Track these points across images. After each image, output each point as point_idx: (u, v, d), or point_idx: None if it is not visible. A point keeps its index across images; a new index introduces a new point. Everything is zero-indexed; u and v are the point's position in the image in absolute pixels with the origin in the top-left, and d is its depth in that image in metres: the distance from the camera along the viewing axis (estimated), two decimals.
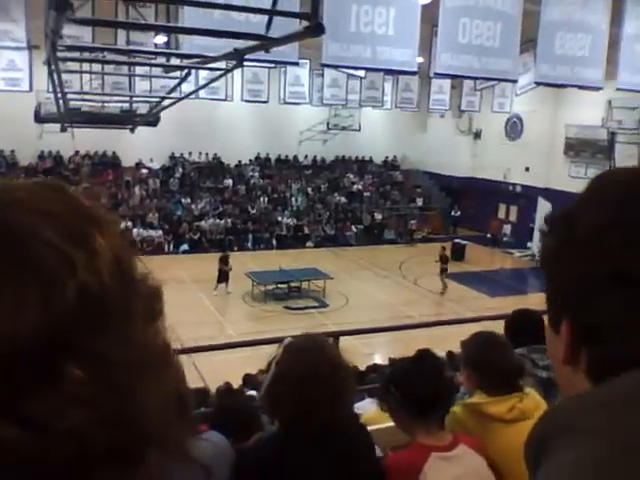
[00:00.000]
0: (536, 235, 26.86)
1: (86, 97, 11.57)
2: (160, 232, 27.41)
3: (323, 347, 2.03)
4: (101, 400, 0.46)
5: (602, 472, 0.54)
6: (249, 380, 8.79)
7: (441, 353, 6.60)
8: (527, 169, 29.38)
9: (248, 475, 1.87)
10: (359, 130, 32.37)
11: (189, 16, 8.50)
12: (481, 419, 2.49)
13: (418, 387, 2.23)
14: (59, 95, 8.89)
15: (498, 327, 3.73)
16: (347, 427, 1.98)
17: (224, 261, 21.08)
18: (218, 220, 28.84)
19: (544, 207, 25.86)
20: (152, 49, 11.61)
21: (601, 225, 0.66)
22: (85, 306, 0.45)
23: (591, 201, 0.70)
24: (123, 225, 26.99)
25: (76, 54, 8.01)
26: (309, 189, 32.57)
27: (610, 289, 0.63)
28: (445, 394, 2.32)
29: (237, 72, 18.46)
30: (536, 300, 18.23)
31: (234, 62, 6.79)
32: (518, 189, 30.06)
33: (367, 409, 4.71)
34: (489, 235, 29.85)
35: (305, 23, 4.55)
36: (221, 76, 8.54)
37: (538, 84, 12.38)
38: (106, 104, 12.58)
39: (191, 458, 1.97)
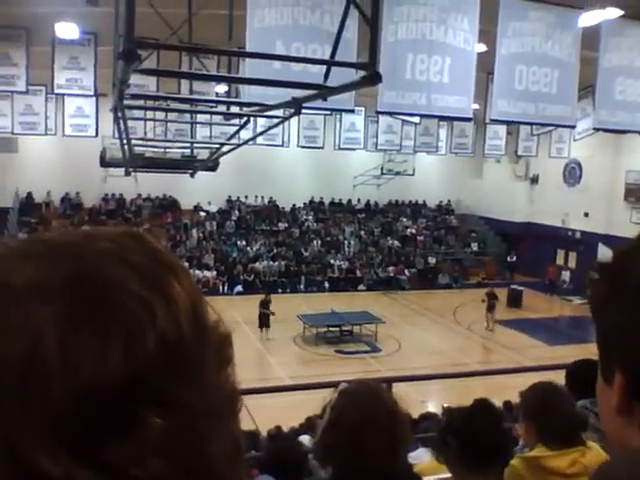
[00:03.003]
0: None
1: (149, 143, 12.00)
2: (215, 273, 27.81)
3: (379, 393, 2.01)
4: (180, 449, 0.46)
5: None
6: (310, 424, 8.65)
7: (497, 403, 6.43)
8: (586, 215, 28.72)
9: None
10: (413, 175, 32.40)
11: (250, 66, 8.79)
12: (541, 473, 2.41)
13: (477, 438, 2.19)
14: (124, 141, 9.26)
15: (557, 377, 3.63)
16: (402, 477, 1.94)
17: (265, 305, 20.73)
18: (272, 262, 29.10)
19: (605, 254, 25.16)
20: (213, 98, 12.01)
21: None
22: (165, 354, 0.46)
23: None
24: None
25: (141, 102, 8.36)
26: (362, 232, 32.61)
27: None
28: (504, 446, 2.26)
29: (293, 119, 18.83)
30: (597, 349, 17.60)
31: (292, 110, 6.97)
32: (577, 235, 29.36)
33: (421, 458, 4.61)
34: (547, 281, 29.13)
35: (362, 73, 4.66)
36: (279, 124, 8.76)
37: (597, 130, 12.24)
38: (168, 150, 13.01)
39: None
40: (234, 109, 9.32)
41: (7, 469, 0.42)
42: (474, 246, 33.55)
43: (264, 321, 20.35)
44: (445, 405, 8.74)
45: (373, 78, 4.55)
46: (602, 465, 0.66)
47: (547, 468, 2.40)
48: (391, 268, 30.06)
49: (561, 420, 2.45)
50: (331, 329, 20.87)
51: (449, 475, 2.44)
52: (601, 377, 0.73)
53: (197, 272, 27.51)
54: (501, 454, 2.24)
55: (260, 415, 11.46)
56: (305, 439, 6.71)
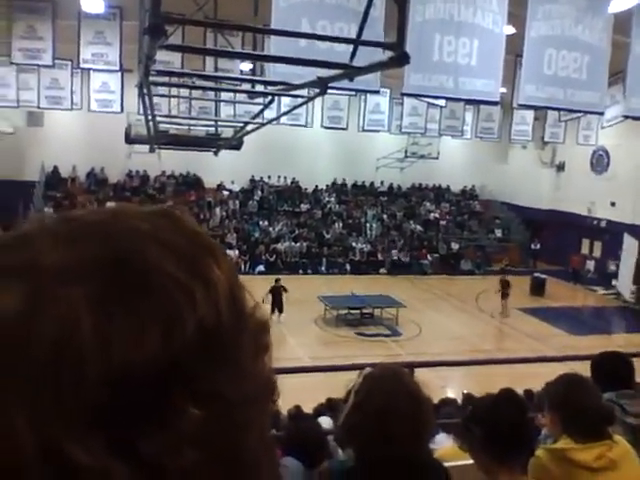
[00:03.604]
0: (622, 272, 25.73)
1: (174, 120, 12.00)
2: (237, 252, 27.97)
3: (402, 378, 2.00)
4: (216, 439, 0.44)
5: None
6: (332, 405, 8.70)
7: (518, 391, 6.38)
8: (613, 204, 28.31)
9: None
10: (437, 158, 32.14)
11: (275, 44, 8.71)
12: (567, 466, 2.36)
13: (502, 427, 2.15)
14: (149, 117, 9.26)
15: (579, 368, 3.57)
16: (425, 463, 1.92)
17: (276, 290, 20.06)
18: (293, 243, 29.17)
19: (630, 244, 24.79)
20: (238, 75, 11.95)
21: None
22: (203, 341, 0.44)
23: None
24: None
25: (166, 79, 8.34)
26: (384, 216, 32.50)
27: None
28: (529, 436, 2.23)
29: (318, 99, 18.75)
30: (621, 341, 17.44)
31: (317, 90, 6.90)
32: (603, 224, 28.96)
33: (442, 444, 4.59)
34: (571, 270, 28.82)
35: (389, 53, 4.57)
36: (304, 103, 8.69)
37: (626, 117, 11.99)
38: (192, 127, 13.01)
39: None
40: (259, 88, 9.26)
41: (38, 461, 0.39)
42: (497, 232, 33.28)
43: (277, 305, 19.80)
44: (465, 391, 8.70)
45: (401, 59, 4.47)
46: None
47: (573, 461, 2.36)
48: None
49: (587, 413, 2.40)
50: (352, 311, 20.89)
51: (470, 462, 2.41)
52: None
53: None
54: (525, 444, 2.21)
55: (280, 395, 11.57)
56: (325, 420, 6.73)
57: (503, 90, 10.90)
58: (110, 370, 0.41)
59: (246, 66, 14.55)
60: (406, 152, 31.84)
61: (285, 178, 32.11)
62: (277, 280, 20.75)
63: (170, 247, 0.47)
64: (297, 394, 10.48)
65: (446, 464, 2.97)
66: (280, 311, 19.87)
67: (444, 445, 4.36)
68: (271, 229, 29.92)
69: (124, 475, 0.40)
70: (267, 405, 0.52)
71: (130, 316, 0.43)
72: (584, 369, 3.62)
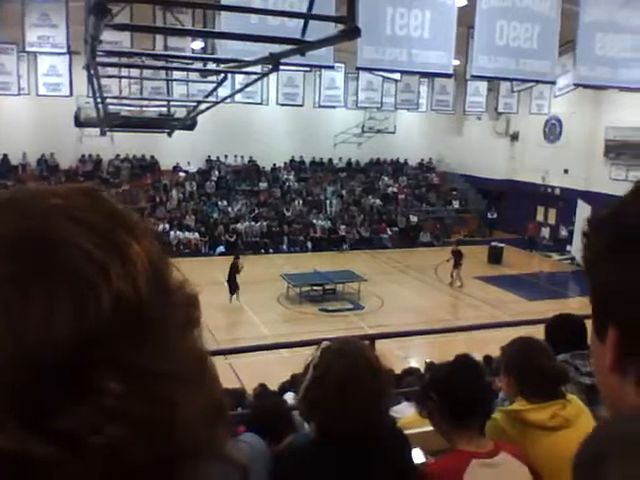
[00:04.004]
0: (576, 238, 26.35)
1: (125, 102, 11.74)
2: (197, 234, 27.71)
3: (361, 350, 2.03)
4: (139, 414, 0.44)
5: None
6: (296, 381, 8.74)
7: (478, 357, 6.52)
8: (566, 171, 28.88)
9: (285, 477, 1.87)
10: (394, 132, 32.25)
11: (226, 21, 8.58)
12: (522, 426, 2.44)
13: (458, 393, 2.21)
14: (98, 100, 9.05)
15: (537, 332, 3.66)
16: (385, 431, 1.96)
17: (235, 268, 19.93)
18: (253, 223, 29.03)
19: (584, 210, 25.39)
20: (188, 54, 11.75)
21: None
22: (121, 316, 0.44)
23: (635, 201, 0.67)
24: (160, 228, 27.36)
25: (115, 59, 8.15)
26: (344, 192, 32.55)
27: None
28: (486, 400, 2.29)
29: (272, 76, 18.55)
30: (576, 304, 17.93)
31: (270, 66, 6.83)
32: (557, 192, 29.56)
33: (404, 412, 4.67)
34: (527, 238, 29.43)
35: (341, 27, 4.55)
36: (257, 80, 8.60)
37: (577, 86, 12.18)
38: (144, 109, 12.76)
39: (228, 460, 1.98)
40: (211, 66, 9.12)
41: None
42: (455, 204, 33.68)
43: (235, 285, 19.68)
44: (427, 360, 8.86)
45: (351, 32, 4.45)
46: (601, 425, 0.64)
47: (528, 421, 2.43)
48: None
49: (541, 374, 2.47)
50: (314, 288, 21.00)
51: (431, 428, 2.46)
52: (595, 336, 0.71)
53: (178, 233, 27.42)
54: (482, 408, 2.27)
55: (246, 374, 11.60)
56: (290, 396, 6.79)
57: (456, 62, 10.97)
58: (21, 349, 0.40)
59: (198, 45, 14.31)
60: (363, 127, 31.87)
61: (242, 157, 31.81)
62: (236, 257, 20.67)
63: (85, 224, 0.47)
64: (263, 373, 10.56)
65: (408, 432, 3.04)
66: (232, 291, 19.64)
67: (406, 413, 4.44)
68: (230, 209, 29.69)
69: (46, 453, 0.40)
70: (201, 381, 0.51)
71: (42, 294, 0.42)
72: (540, 333, 3.72)
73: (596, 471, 0.59)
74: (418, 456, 2.38)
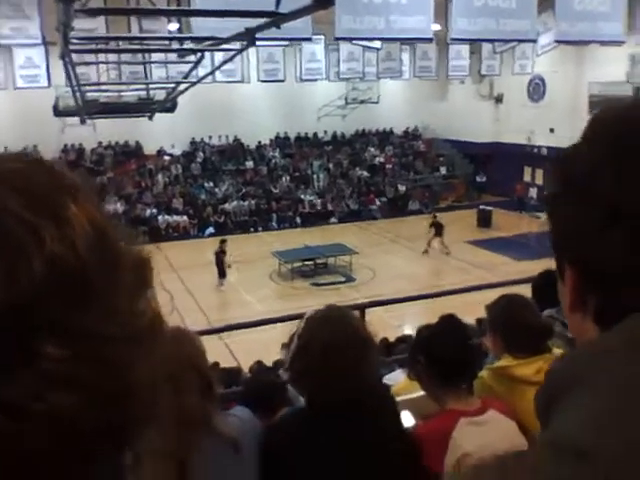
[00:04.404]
0: None
1: (103, 88, 11.64)
2: (185, 217, 27.63)
3: (345, 317, 2.03)
4: (85, 378, 0.43)
5: (613, 424, 0.52)
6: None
7: (470, 320, 6.57)
8: (552, 130, 28.84)
9: (275, 449, 1.89)
10: (378, 102, 32.04)
11: (200, 0, 8.46)
12: (509, 382, 2.47)
13: (443, 352, 2.22)
14: (75, 88, 8.96)
15: (526, 291, 3.70)
16: (373, 397, 1.98)
17: (223, 253, 19.87)
18: (242, 202, 28.96)
19: None
20: (163, 35, 11.61)
21: (596, 162, 0.64)
22: (58, 279, 0.43)
23: (587, 139, 0.68)
24: (148, 213, 27.25)
25: (91, 46, 8.05)
26: (330, 165, 32.46)
27: (608, 229, 0.60)
28: (471, 358, 2.31)
29: (252, 53, 18.38)
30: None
31: (246, 42, 6.76)
32: (543, 151, 29.53)
33: (398, 380, 4.71)
34: (516, 199, 29.49)
35: None
36: (234, 57, 8.52)
37: (559, 43, 12.12)
38: (123, 94, 12.64)
39: (218, 433, 2.00)
40: (188, 46, 9.02)
41: None
42: (442, 170, 33.66)
43: (220, 270, 19.68)
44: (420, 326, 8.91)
45: (325, 1, 4.41)
46: (554, 363, 0.66)
47: (514, 377, 2.46)
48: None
49: (526, 329, 2.50)
50: (306, 263, 21.05)
51: (424, 393, 2.49)
52: (559, 278, 0.72)
53: (167, 217, 27.34)
54: (468, 366, 2.29)
55: (243, 352, 11.65)
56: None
57: (437, 27, 10.88)
58: None
59: (174, 27, 14.12)
60: (346, 99, 31.65)
61: (227, 137, 31.59)
62: (222, 241, 20.54)
63: (19, 188, 0.45)
64: (259, 350, 10.60)
65: (401, 398, 3.07)
66: (221, 276, 19.64)
67: (400, 380, 4.48)
68: (217, 190, 29.57)
69: None
70: (154, 343, 0.50)
71: None
72: (529, 291, 3.75)
73: (550, 408, 0.60)
74: (408, 419, 2.40)
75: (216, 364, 9.60)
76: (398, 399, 2.73)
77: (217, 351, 11.48)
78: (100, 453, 0.46)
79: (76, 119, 17.57)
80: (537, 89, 29.86)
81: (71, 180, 0.51)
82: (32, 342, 0.41)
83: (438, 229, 22.83)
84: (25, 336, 0.41)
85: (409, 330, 11.38)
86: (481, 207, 27.65)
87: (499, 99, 32.51)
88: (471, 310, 6.42)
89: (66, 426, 0.42)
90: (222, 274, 19.72)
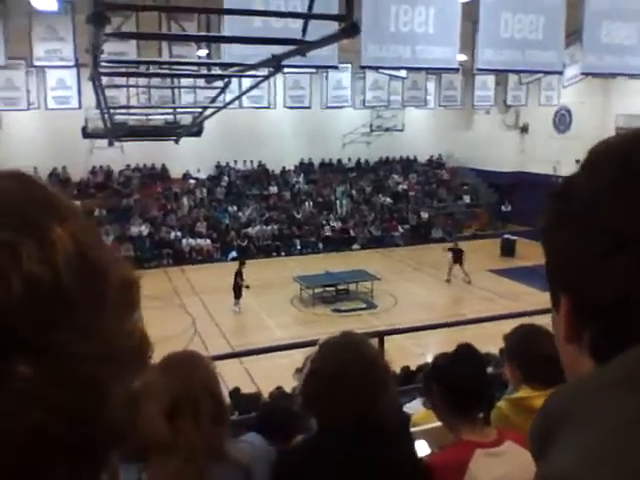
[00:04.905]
0: None
1: (131, 111, 11.84)
2: (209, 241, 27.80)
3: (359, 344, 2.01)
4: (58, 397, 0.43)
5: (607, 462, 0.50)
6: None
7: (494, 350, 6.47)
8: (577, 162, 28.33)
9: (286, 475, 1.87)
10: (402, 130, 32.17)
11: (229, 27, 8.63)
12: (527, 414, 2.42)
13: (457, 381, 2.19)
14: (104, 110, 9.13)
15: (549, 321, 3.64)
16: (385, 425, 1.95)
17: (240, 275, 20.06)
18: (265, 227, 29.09)
19: None
20: (191, 60, 11.81)
21: (596, 190, 0.63)
22: (35, 299, 0.43)
23: (586, 170, 0.68)
24: (172, 236, 27.48)
25: (120, 69, 8.21)
26: (354, 191, 32.53)
27: (610, 257, 0.59)
28: (487, 388, 2.27)
29: (279, 79, 18.62)
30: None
31: (273, 69, 6.84)
32: None
33: (417, 408, 4.66)
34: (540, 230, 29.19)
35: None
36: (260, 83, 8.63)
37: (585, 75, 12.11)
38: (151, 117, 12.85)
39: (229, 459, 1.98)
40: (216, 72, 9.17)
41: None
42: (466, 198, 33.54)
43: (237, 292, 19.82)
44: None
45: (350, 30, 4.45)
46: (548, 398, 0.63)
47: (532, 408, 2.41)
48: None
49: (543, 360, 2.45)
50: (327, 289, 20.97)
51: (441, 424, 2.45)
52: (553, 308, 0.71)
53: (190, 240, 27.55)
54: (484, 396, 2.25)
55: (263, 378, 11.60)
56: None
57: (463, 57, 10.96)
58: None
59: (203, 52, 14.38)
60: (371, 126, 31.81)
61: (252, 162, 31.89)
62: (241, 262, 20.76)
63: (3, 207, 0.46)
64: (278, 375, 10.54)
65: (420, 427, 3.03)
66: (236, 296, 19.77)
67: (419, 410, 4.43)
68: (241, 214, 29.76)
69: None
70: (137, 364, 0.51)
71: None
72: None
73: (544, 444, 0.59)
74: (423, 449, 2.37)
75: (237, 389, 9.60)
76: (415, 429, 2.70)
77: (237, 376, 11.48)
78: (71, 470, 0.45)
79: (104, 141, 17.89)
80: (563, 120, 29.75)
81: (60, 201, 0.51)
82: (5, 360, 0.41)
83: (457, 255, 22.59)
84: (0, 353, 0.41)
85: (431, 359, 11.30)
86: (505, 236, 27.45)
87: (525, 129, 32.43)
88: (493, 340, 6.34)
89: (36, 442, 0.42)
90: (237, 295, 19.79)
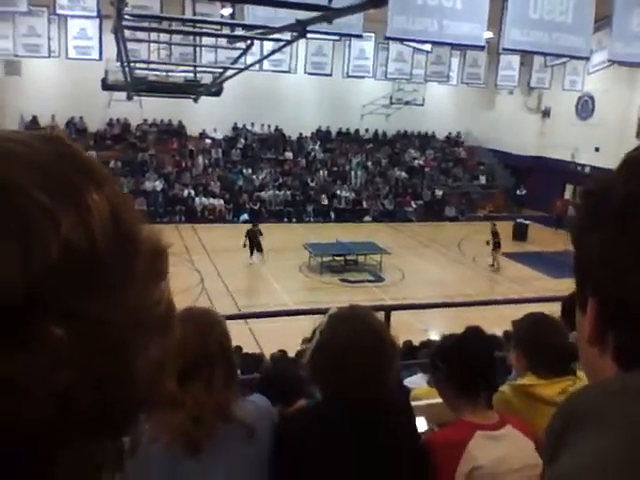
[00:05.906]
0: None
1: (152, 66, 11.75)
2: (221, 201, 27.87)
3: (367, 318, 2.03)
4: (88, 361, 0.44)
5: (621, 468, 0.50)
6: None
7: (498, 332, 6.50)
8: (597, 150, 28.32)
9: (288, 439, 1.90)
10: (423, 105, 31.80)
11: None
12: (530, 401, 2.44)
13: (464, 362, 2.21)
14: (125, 63, 9.08)
15: (558, 309, 3.64)
16: (388, 400, 1.98)
17: (252, 234, 20.93)
18: (278, 191, 29.08)
19: None
20: (216, 19, 11.68)
21: (632, 198, 0.62)
22: (71, 265, 0.43)
23: (622, 175, 0.66)
24: (185, 193, 27.56)
25: (144, 23, 8.14)
26: (369, 163, 32.37)
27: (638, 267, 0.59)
28: (492, 371, 2.29)
29: (301, 45, 18.40)
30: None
31: (297, 33, 6.77)
32: (587, 170, 29.02)
33: (418, 383, 4.70)
34: (554, 216, 29.01)
35: None
36: (283, 47, 8.55)
37: (612, 62, 11.90)
38: (171, 74, 12.76)
39: (234, 419, 2.01)
40: (238, 32, 9.07)
41: None
42: (482, 179, 33.33)
43: (256, 246, 20.68)
44: (446, 333, 8.86)
45: (378, 0, 4.39)
46: (566, 399, 0.63)
47: (536, 396, 2.43)
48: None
49: (550, 350, 2.47)
50: (336, 258, 21.04)
51: (441, 401, 2.47)
52: (578, 308, 0.71)
53: (203, 199, 27.63)
54: (489, 378, 2.27)
55: (267, 340, 11.71)
56: None
57: (489, 35, 10.75)
58: None
59: (226, 11, 14.22)
60: (391, 98, 31.48)
61: (269, 126, 31.73)
62: (254, 225, 21.34)
63: (42, 171, 0.46)
64: (282, 339, 10.64)
65: (420, 402, 3.06)
66: (259, 250, 20.60)
67: (420, 385, 4.47)
68: (255, 177, 29.75)
69: None
70: (166, 334, 0.51)
71: None
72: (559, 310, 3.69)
73: (559, 445, 0.58)
74: (422, 425, 2.40)
75: (239, 348, 9.71)
76: (415, 404, 2.73)
77: (241, 335, 11.58)
78: (97, 434, 0.46)
79: (123, 94, 17.80)
80: (586, 107, 29.33)
81: (96, 166, 0.51)
82: (39, 324, 0.42)
83: (496, 237, 22.16)
84: (33, 317, 0.42)
85: (434, 335, 11.33)
86: (518, 220, 27.31)
87: (546, 113, 32.02)
88: (499, 322, 6.36)
89: (68, 405, 0.43)
90: (259, 248, 20.53)
